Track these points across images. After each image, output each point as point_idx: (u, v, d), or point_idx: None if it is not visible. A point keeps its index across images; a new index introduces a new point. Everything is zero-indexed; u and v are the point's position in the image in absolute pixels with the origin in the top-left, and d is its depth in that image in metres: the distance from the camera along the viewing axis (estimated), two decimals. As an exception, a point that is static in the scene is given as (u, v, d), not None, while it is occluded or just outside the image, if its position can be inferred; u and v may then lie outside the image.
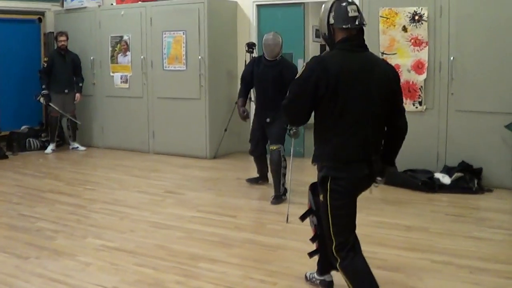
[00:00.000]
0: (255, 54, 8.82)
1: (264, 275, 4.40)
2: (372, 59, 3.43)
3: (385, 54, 7.51)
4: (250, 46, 8.83)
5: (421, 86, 7.37)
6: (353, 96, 3.27)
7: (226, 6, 9.30)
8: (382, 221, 5.76)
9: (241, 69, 9.19)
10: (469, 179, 6.95)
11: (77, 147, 9.99)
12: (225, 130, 9.13)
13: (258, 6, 9.35)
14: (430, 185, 6.95)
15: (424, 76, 7.34)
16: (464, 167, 7.12)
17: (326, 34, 3.41)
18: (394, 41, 7.48)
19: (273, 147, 6.64)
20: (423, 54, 7.34)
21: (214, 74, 9.04)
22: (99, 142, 10.26)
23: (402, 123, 3.54)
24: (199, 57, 8.89)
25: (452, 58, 7.18)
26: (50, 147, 9.78)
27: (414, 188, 6.99)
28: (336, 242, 3.39)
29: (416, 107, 7.42)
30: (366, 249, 3.72)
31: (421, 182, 6.99)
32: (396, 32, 7.45)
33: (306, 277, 4.24)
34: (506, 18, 6.85)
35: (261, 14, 9.39)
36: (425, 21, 7.27)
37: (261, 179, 7.37)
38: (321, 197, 3.46)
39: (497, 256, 4.75)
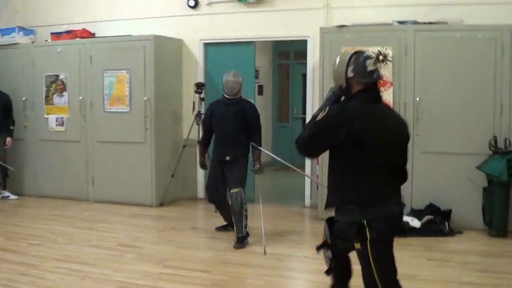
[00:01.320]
0: (203, 95, 8.41)
1: None
2: (387, 110, 3.64)
3: (347, 94, 7.26)
4: (199, 87, 8.43)
5: (386, 127, 7.15)
6: (377, 144, 3.31)
7: (171, 44, 8.84)
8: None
9: (187, 110, 8.89)
10: (440, 222, 6.78)
11: (8, 196, 9.09)
12: (172, 176, 8.59)
13: (206, 44, 8.95)
14: (401, 229, 6.69)
15: (388, 117, 7.12)
16: (433, 209, 6.96)
17: (344, 86, 3.46)
18: (356, 82, 7.23)
19: (234, 190, 6.40)
20: (388, 95, 7.13)
21: (160, 116, 8.52)
22: (31, 190, 9.40)
23: (406, 172, 3.56)
24: (145, 98, 8.35)
25: (417, 99, 7.04)
26: (-22, 196, 8.86)
27: (384, 233, 6.71)
28: None
29: (380, 149, 7.18)
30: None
31: (392, 226, 6.73)
32: (359, 73, 7.22)
33: None
34: (472, 58, 6.83)
35: (208, 53, 9.00)
36: (390, 61, 7.10)
37: (230, 225, 6.88)
38: (357, 245, 3.35)
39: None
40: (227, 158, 6.46)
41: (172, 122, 8.88)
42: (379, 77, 3.47)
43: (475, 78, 6.82)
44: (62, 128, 9.02)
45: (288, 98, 13.60)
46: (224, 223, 7.02)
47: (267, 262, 5.78)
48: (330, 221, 3.69)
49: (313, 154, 3.71)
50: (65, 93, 8.95)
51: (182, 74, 9.08)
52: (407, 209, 7.11)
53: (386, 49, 7.09)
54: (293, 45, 12.29)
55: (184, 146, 8.64)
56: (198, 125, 8.42)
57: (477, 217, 6.79)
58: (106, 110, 8.66)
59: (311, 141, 3.41)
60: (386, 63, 7.10)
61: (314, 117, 3.45)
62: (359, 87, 3.41)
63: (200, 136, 8.12)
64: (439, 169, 7.01)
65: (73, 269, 5.50)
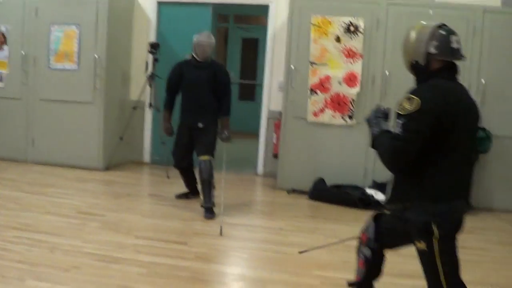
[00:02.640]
0: (158, 56, 8.03)
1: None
2: (465, 90, 3.13)
3: (315, 64, 7.14)
4: (154, 47, 8.02)
5: (353, 100, 7.09)
6: (464, 129, 2.99)
7: (123, 0, 8.34)
8: (351, 244, 5.32)
9: (135, 70, 8.48)
10: (403, 194, 6.82)
11: None
12: (121, 138, 8.19)
13: (160, 3, 8.52)
14: (366, 202, 6.79)
15: (356, 89, 7.09)
16: (395, 182, 6.99)
17: (420, 62, 3.07)
18: (325, 51, 7.12)
19: (204, 157, 6.12)
20: (356, 67, 7.07)
21: (110, 75, 8.06)
22: (-40, 148, 8.72)
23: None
24: (95, 55, 7.86)
25: (387, 72, 6.99)
26: None
27: (349, 205, 6.81)
28: None
29: (346, 121, 7.15)
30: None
31: (358, 198, 6.77)
32: (328, 42, 7.10)
33: None
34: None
35: (162, 13, 8.57)
36: (361, 33, 7.00)
37: (191, 193, 6.69)
38: (421, 245, 3.01)
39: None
40: (200, 125, 6.18)
41: (120, 82, 8.45)
42: (463, 57, 3.08)
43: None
44: (0, 84, 8.36)
45: (226, 62, 13.31)
46: (185, 190, 6.78)
47: (244, 234, 5.64)
48: (375, 217, 3.47)
49: (411, 157, 2.96)
50: (5, 47, 8.27)
51: (133, 33, 8.62)
52: (369, 182, 7.15)
53: (358, 20, 6.98)
54: (233, 8, 11.99)
55: (134, 108, 8.24)
56: (151, 86, 8.07)
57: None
58: (52, 67, 8.09)
59: (413, 139, 2.89)
60: (357, 35, 7.00)
61: (380, 133, 3.18)
62: (438, 64, 3.05)
63: (153, 98, 7.88)
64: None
65: (38, 240, 5.08)
